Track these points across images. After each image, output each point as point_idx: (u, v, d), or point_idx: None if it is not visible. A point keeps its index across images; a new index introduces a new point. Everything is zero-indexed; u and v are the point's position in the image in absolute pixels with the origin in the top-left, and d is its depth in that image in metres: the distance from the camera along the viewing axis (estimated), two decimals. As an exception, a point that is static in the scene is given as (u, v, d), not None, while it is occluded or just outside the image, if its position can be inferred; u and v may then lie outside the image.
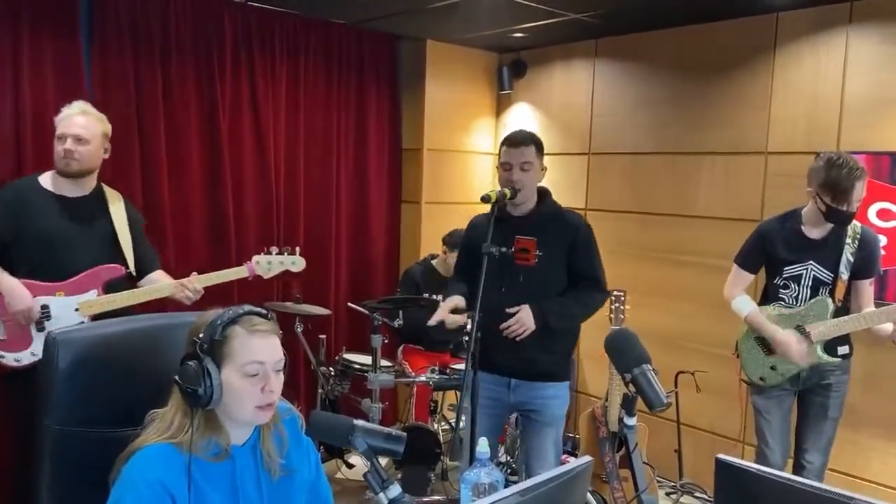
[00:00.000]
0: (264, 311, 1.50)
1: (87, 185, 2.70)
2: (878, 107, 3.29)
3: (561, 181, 4.67)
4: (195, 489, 1.40)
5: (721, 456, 1.24)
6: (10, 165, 3.20)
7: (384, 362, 3.56)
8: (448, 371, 3.53)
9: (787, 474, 1.18)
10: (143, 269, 2.80)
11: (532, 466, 2.69)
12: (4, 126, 3.18)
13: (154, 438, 1.41)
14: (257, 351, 1.43)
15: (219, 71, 3.81)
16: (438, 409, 3.90)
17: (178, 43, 3.66)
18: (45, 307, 2.54)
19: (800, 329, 2.79)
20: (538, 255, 2.53)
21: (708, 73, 3.89)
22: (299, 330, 3.55)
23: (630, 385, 1.73)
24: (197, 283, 2.72)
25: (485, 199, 2.49)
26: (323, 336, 3.87)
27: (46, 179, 2.66)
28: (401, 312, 3.57)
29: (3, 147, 3.19)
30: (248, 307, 1.48)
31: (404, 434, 1.49)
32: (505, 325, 2.53)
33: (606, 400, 3.48)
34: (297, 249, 2.96)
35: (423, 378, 3.46)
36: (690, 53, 3.96)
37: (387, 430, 1.48)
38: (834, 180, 2.63)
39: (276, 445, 1.51)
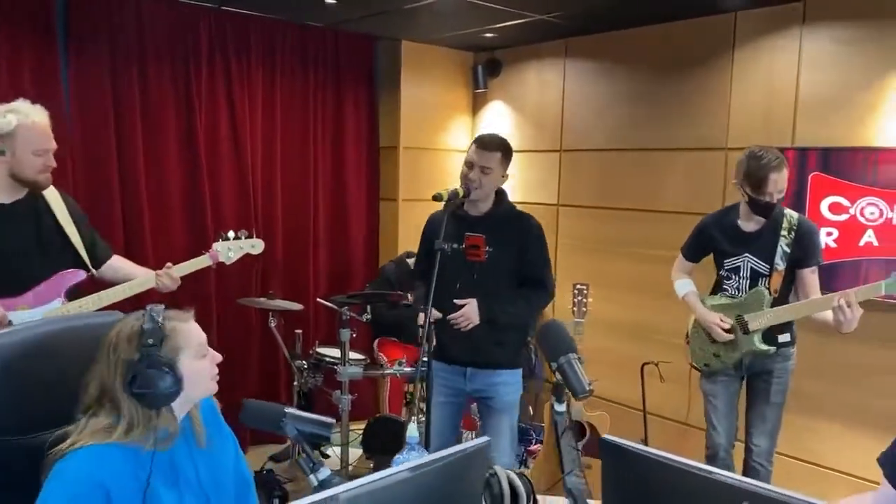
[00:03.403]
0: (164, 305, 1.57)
1: (24, 187, 2.52)
2: (830, 104, 3.38)
3: (534, 178, 4.78)
4: (137, 483, 1.44)
5: (606, 436, 1.34)
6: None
7: (356, 355, 3.67)
8: (418, 363, 3.63)
9: (664, 452, 1.28)
10: (98, 259, 2.69)
11: (489, 451, 2.81)
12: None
13: (93, 440, 1.42)
14: (198, 332, 1.58)
15: (195, 74, 3.92)
16: (414, 400, 4.01)
17: (154, 47, 3.77)
18: (9, 323, 2.36)
19: (739, 319, 2.91)
20: (488, 252, 2.63)
21: (671, 72, 3.99)
22: (272, 325, 3.66)
23: (557, 373, 1.84)
24: (175, 271, 2.69)
25: (436, 198, 2.59)
26: (299, 331, 3.99)
27: None
28: (368, 307, 3.68)
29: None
30: (151, 305, 1.54)
31: (332, 420, 1.61)
32: (451, 316, 2.67)
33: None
34: (254, 231, 2.99)
35: (390, 370, 3.57)
36: (654, 53, 4.06)
37: (316, 417, 1.59)
38: (752, 171, 2.76)
39: (199, 412, 1.62)
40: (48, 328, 1.69)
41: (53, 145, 2.50)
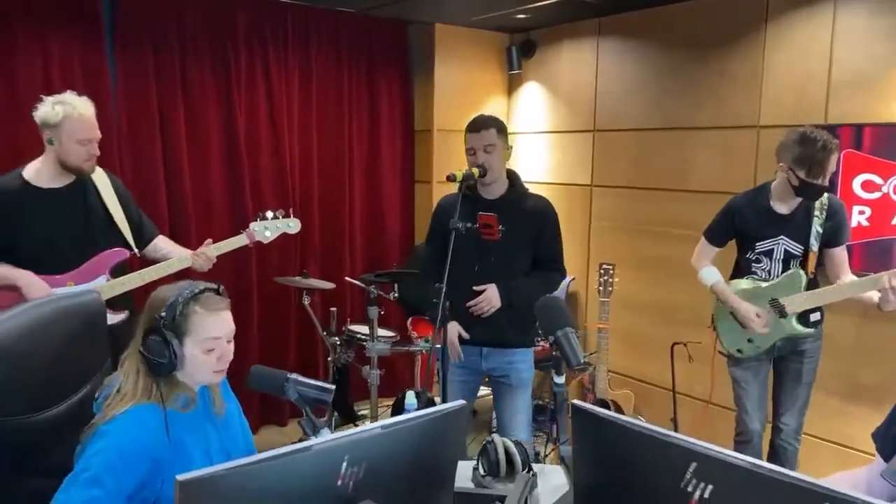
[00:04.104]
0: (217, 287, 1.72)
1: (71, 174, 2.72)
2: (863, 79, 3.29)
3: (568, 159, 4.79)
4: (174, 440, 1.61)
5: (575, 402, 1.41)
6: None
7: (385, 332, 3.80)
8: (432, 341, 3.74)
9: (631, 419, 1.34)
10: (143, 240, 2.87)
11: (507, 425, 2.89)
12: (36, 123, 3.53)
13: (123, 405, 1.59)
14: (214, 328, 1.66)
15: (234, 62, 4.08)
16: (438, 377, 4.13)
17: (194, 38, 3.95)
18: None
19: (774, 302, 2.87)
20: (501, 230, 2.69)
21: (703, 49, 3.93)
22: (306, 302, 3.82)
23: (553, 346, 1.90)
24: (211, 250, 2.83)
25: (450, 178, 2.65)
26: (333, 308, 4.14)
27: (36, 175, 2.66)
28: (396, 286, 3.79)
29: (37, 144, 3.53)
30: (203, 284, 1.69)
31: (332, 386, 1.73)
32: (472, 302, 2.75)
33: (594, 368, 3.63)
34: (291, 211, 3.08)
35: (416, 347, 3.68)
36: (686, 30, 4.01)
37: (317, 382, 1.71)
38: (809, 155, 2.66)
39: (219, 388, 1.77)
40: (38, 310, 1.78)
41: (97, 135, 2.69)
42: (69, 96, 2.65)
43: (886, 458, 1.52)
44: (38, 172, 2.67)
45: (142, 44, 3.78)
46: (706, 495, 1.16)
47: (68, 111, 2.60)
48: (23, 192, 2.62)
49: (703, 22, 3.92)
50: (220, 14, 4.02)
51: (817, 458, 3.53)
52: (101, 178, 2.78)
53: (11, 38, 3.46)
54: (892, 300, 2.58)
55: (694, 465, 1.18)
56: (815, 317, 2.91)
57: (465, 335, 2.81)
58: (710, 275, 3.05)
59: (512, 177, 2.86)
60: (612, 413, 1.35)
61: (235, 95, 4.10)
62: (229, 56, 4.07)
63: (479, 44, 4.96)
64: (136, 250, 2.86)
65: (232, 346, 1.72)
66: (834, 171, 2.76)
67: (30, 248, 2.60)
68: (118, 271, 2.78)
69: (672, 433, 1.25)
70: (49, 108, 2.60)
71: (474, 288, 2.76)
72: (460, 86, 4.89)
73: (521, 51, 4.95)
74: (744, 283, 2.98)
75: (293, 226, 3.07)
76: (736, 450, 2.96)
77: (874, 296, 2.70)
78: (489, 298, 2.75)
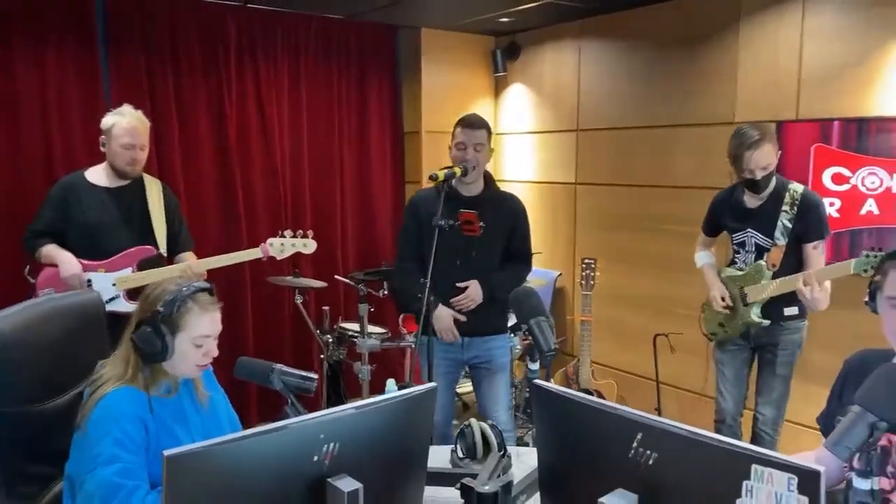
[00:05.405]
0: (210, 286, 1.85)
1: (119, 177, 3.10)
2: (832, 75, 3.40)
3: (553, 158, 4.91)
4: (158, 419, 1.75)
5: (536, 381, 1.52)
6: (42, 157, 3.70)
7: (376, 329, 3.91)
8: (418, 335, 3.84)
9: (587, 396, 1.45)
10: (175, 250, 3.19)
11: (489, 409, 3.01)
12: (34, 126, 3.67)
13: (115, 384, 1.74)
14: (206, 326, 1.80)
15: (224, 69, 4.20)
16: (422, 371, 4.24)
17: (186, 45, 4.06)
18: (88, 281, 2.97)
19: (741, 291, 3.02)
20: (482, 227, 2.81)
21: (680, 48, 4.05)
22: (299, 301, 3.93)
23: (527, 333, 2.02)
24: (199, 267, 3.14)
25: (433, 178, 2.74)
26: (326, 307, 4.25)
27: (95, 174, 3.08)
28: (385, 284, 3.90)
29: (34, 144, 3.67)
30: (198, 283, 1.82)
31: (315, 375, 1.84)
32: (456, 299, 2.89)
33: (578, 359, 3.74)
34: (310, 233, 3.25)
35: (405, 342, 3.80)
36: (664, 30, 4.12)
37: (300, 372, 1.82)
38: (732, 150, 2.87)
39: (202, 380, 1.88)
40: (36, 309, 1.92)
41: (141, 142, 3.05)
42: (124, 108, 3.06)
43: None
44: (96, 173, 3.09)
45: (135, 52, 3.90)
46: (650, 462, 1.28)
47: (116, 119, 3.01)
48: (79, 186, 3.04)
49: (680, 22, 4.03)
50: (210, 22, 4.13)
51: (800, 446, 3.62)
52: (153, 186, 3.16)
53: (7, 47, 3.59)
54: (806, 301, 2.73)
55: (640, 435, 1.29)
56: (790, 311, 2.98)
57: (461, 318, 2.92)
58: (701, 258, 3.28)
59: (486, 176, 3.01)
60: (565, 389, 1.46)
61: (226, 101, 4.22)
62: (220, 63, 4.18)
63: (465, 47, 5.08)
64: (162, 252, 3.14)
65: (216, 343, 1.85)
66: (766, 166, 2.82)
67: (75, 235, 3.01)
68: (145, 266, 3.07)
69: (620, 406, 1.36)
70: (105, 117, 3.05)
71: (458, 285, 2.89)
72: (448, 88, 5.00)
73: (505, 54, 5.06)
74: (728, 271, 3.14)
75: (309, 246, 3.26)
76: (714, 430, 3.08)
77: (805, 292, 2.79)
78: (472, 294, 2.90)
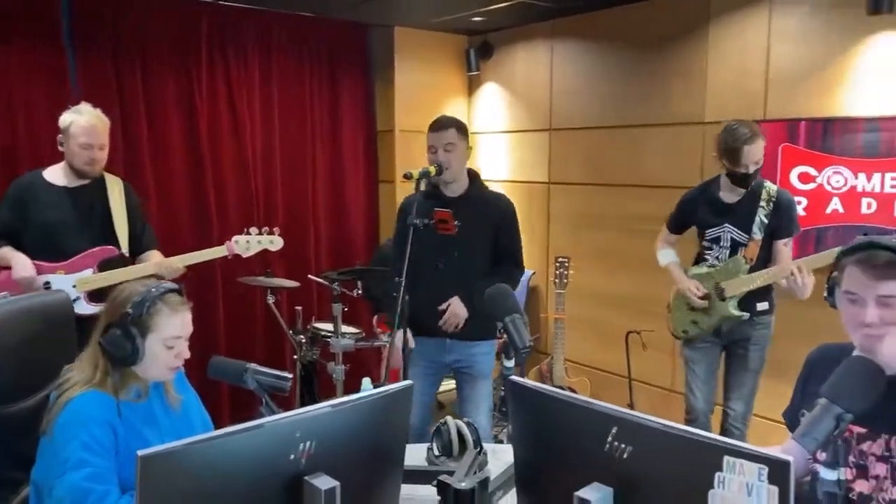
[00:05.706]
0: (179, 288, 1.82)
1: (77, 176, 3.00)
2: (798, 76, 3.48)
3: (526, 157, 4.93)
4: (127, 424, 1.72)
5: (512, 377, 1.53)
6: (7, 158, 3.62)
7: (350, 329, 3.89)
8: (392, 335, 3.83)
9: (561, 391, 1.46)
10: (138, 249, 3.11)
11: (469, 415, 2.99)
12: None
13: (83, 388, 1.70)
14: (177, 327, 1.77)
15: (195, 67, 4.15)
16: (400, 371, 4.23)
17: (155, 43, 4.01)
18: (47, 283, 2.89)
19: (716, 286, 3.05)
20: (457, 225, 2.80)
21: (651, 49, 4.10)
22: (271, 301, 3.89)
23: (502, 331, 2.03)
24: (175, 262, 3.05)
25: (407, 177, 2.74)
26: (299, 307, 4.22)
27: (53, 174, 2.99)
28: (359, 283, 3.89)
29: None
30: (167, 285, 1.80)
31: (289, 374, 1.83)
32: (442, 321, 2.85)
33: (552, 357, 3.77)
34: (276, 230, 3.21)
35: (380, 342, 3.79)
36: (634, 31, 4.17)
37: (274, 371, 1.81)
38: (727, 145, 2.92)
39: (173, 384, 1.86)
40: (3, 308, 1.89)
41: (100, 142, 2.95)
42: (82, 106, 2.97)
43: None
44: (54, 172, 3.00)
45: (103, 50, 3.83)
46: (625, 456, 1.29)
47: (74, 118, 2.92)
48: (36, 185, 2.96)
49: (650, 22, 4.09)
50: (181, 19, 4.08)
51: (769, 441, 3.69)
52: (114, 186, 3.07)
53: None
54: (796, 287, 2.79)
55: (615, 429, 1.31)
56: (762, 306, 3.06)
57: (411, 344, 2.83)
58: (665, 256, 3.30)
59: (472, 175, 2.98)
60: (541, 385, 1.47)
61: (197, 99, 4.17)
62: (190, 61, 4.13)
63: (438, 46, 5.08)
64: (124, 252, 3.06)
65: (188, 345, 1.82)
66: (758, 160, 2.92)
67: (33, 235, 2.92)
68: (106, 267, 2.99)
69: (594, 401, 1.37)
70: (63, 115, 2.95)
71: (439, 308, 2.86)
72: (421, 87, 5.00)
73: (479, 53, 5.08)
74: (696, 269, 3.18)
75: (275, 243, 3.20)
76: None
77: (782, 283, 2.90)
78: (455, 313, 2.85)
